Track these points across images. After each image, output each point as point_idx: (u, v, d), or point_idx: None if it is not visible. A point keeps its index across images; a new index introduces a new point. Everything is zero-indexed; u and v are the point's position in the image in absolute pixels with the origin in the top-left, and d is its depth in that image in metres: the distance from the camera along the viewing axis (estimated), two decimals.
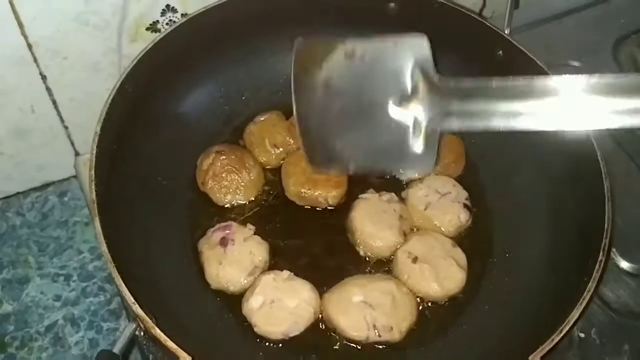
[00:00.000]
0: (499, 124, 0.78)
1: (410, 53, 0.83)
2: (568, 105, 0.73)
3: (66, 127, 1.34)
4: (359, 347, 1.00)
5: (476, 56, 1.17)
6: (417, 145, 0.81)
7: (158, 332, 0.81)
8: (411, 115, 0.81)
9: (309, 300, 1.01)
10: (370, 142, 0.85)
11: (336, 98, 0.87)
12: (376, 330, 0.99)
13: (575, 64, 1.41)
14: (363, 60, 0.86)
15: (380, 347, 1.00)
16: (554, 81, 0.75)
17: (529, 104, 0.75)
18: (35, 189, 1.48)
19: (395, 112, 0.82)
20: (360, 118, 0.85)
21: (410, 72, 0.82)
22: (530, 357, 0.83)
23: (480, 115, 0.78)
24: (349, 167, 0.90)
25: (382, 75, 0.84)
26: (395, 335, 1.00)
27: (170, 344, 0.81)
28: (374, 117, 0.83)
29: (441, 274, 1.04)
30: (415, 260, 1.05)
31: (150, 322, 0.81)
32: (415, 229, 1.12)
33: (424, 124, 0.80)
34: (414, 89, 0.81)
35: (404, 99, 0.81)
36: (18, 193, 1.47)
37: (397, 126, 0.82)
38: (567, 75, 0.74)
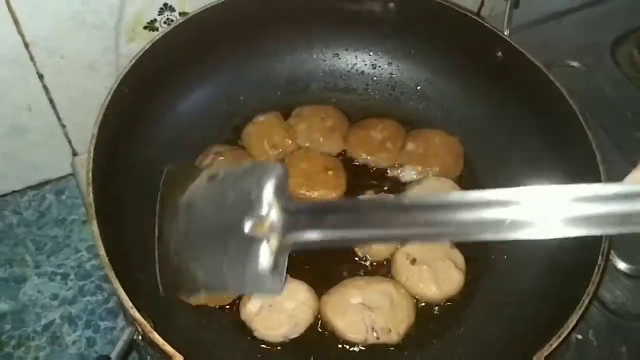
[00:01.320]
0: (344, 237, 0.80)
1: (265, 177, 0.85)
2: (464, 218, 0.71)
3: (63, 126, 1.34)
4: (357, 349, 1.00)
5: (475, 57, 1.18)
6: (267, 266, 0.83)
7: (156, 337, 0.81)
8: (265, 235, 0.83)
9: (307, 301, 1.01)
10: (224, 264, 0.86)
11: (195, 219, 0.89)
12: (374, 333, 0.99)
13: (574, 63, 1.41)
14: (222, 182, 0.90)
15: (379, 349, 1.00)
16: (440, 197, 0.75)
17: (375, 217, 0.77)
18: (32, 187, 1.47)
19: (249, 232, 0.83)
20: (216, 238, 0.87)
21: (265, 195, 0.84)
22: None
23: (330, 229, 0.79)
24: (202, 290, 0.90)
25: (239, 197, 0.86)
26: (394, 337, 0.99)
27: (168, 348, 0.80)
28: (229, 237, 0.85)
29: (439, 275, 1.04)
30: (413, 262, 1.05)
31: (147, 327, 0.81)
32: None
33: (275, 243, 0.82)
34: (268, 211, 0.83)
35: (258, 221, 0.83)
36: (15, 191, 1.46)
37: (250, 247, 0.84)
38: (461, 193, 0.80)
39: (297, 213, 0.83)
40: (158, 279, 0.90)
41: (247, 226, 0.84)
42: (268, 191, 0.84)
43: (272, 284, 0.84)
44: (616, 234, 0.73)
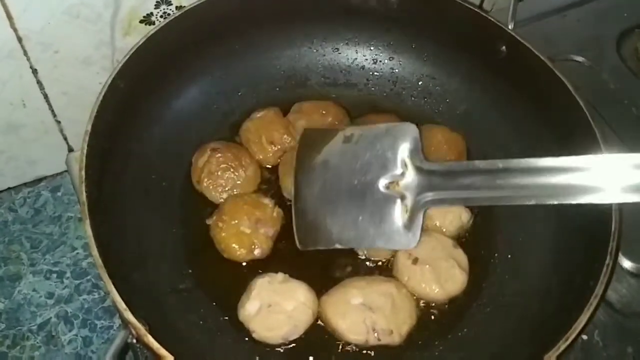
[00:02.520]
0: (480, 199, 0.88)
1: (400, 138, 0.93)
2: (545, 182, 0.83)
3: (58, 122, 1.32)
4: (359, 350, 0.98)
5: (479, 51, 1.16)
6: (403, 222, 0.92)
7: (151, 340, 0.79)
8: (399, 193, 0.91)
9: (307, 301, 0.99)
10: (359, 220, 0.94)
11: (332, 177, 0.97)
12: (376, 334, 0.97)
13: (579, 58, 1.39)
14: (358, 143, 0.97)
15: (381, 350, 0.98)
16: (529, 162, 0.84)
17: (508, 181, 0.84)
18: (27, 184, 1.46)
19: (385, 190, 0.92)
20: (351, 196, 0.95)
21: (400, 155, 0.93)
22: None
23: (462, 191, 0.87)
24: (337, 244, 0.97)
25: (375, 157, 0.94)
26: (396, 339, 0.98)
27: (163, 352, 0.78)
28: (365, 194, 0.94)
29: (442, 275, 1.02)
30: (415, 261, 1.03)
31: (142, 330, 0.79)
32: None
33: (410, 201, 0.91)
34: (403, 170, 0.92)
35: (393, 179, 0.92)
36: (9, 188, 1.45)
37: (385, 204, 0.92)
38: (543, 159, 0.84)
39: (430, 174, 0.90)
40: (295, 234, 0.98)
41: (383, 184, 0.93)
42: (403, 151, 0.93)
43: (407, 239, 0.93)
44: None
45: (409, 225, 0.91)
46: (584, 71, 1.37)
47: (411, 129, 0.94)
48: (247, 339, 0.98)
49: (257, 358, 0.97)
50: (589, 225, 0.97)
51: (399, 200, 0.91)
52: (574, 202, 0.83)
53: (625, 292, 1.14)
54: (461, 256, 1.05)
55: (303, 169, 1.00)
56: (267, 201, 1.08)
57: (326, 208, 0.96)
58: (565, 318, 0.86)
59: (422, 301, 1.03)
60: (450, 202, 0.91)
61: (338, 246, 0.97)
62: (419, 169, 0.90)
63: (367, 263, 1.07)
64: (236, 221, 1.04)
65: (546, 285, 1.00)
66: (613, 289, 1.13)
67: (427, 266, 1.02)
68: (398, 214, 0.91)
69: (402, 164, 0.91)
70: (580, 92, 1.04)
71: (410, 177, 0.90)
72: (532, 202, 0.84)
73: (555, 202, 0.84)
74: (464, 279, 1.03)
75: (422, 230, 0.93)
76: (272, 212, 1.07)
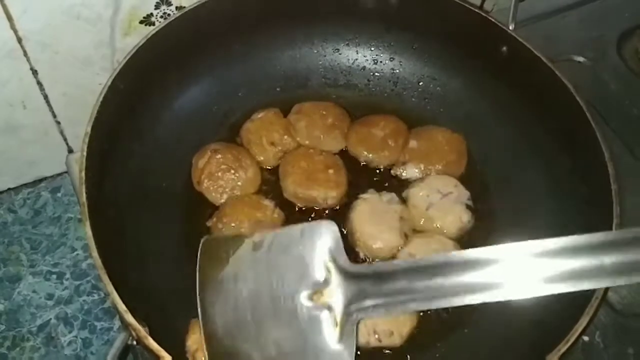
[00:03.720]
0: (419, 304, 0.77)
1: (318, 239, 0.82)
2: (495, 277, 0.72)
3: (58, 123, 1.32)
4: (359, 352, 0.97)
5: (479, 52, 1.15)
6: (333, 338, 0.79)
7: (151, 342, 0.79)
8: (325, 304, 0.79)
9: None
10: (282, 340, 0.81)
11: (244, 293, 0.84)
12: (376, 335, 0.96)
13: (579, 59, 1.38)
14: (270, 250, 0.84)
15: (381, 352, 0.98)
16: (470, 254, 0.73)
17: (449, 279, 0.73)
18: (27, 185, 1.45)
19: (307, 303, 0.80)
20: (271, 313, 0.82)
21: (320, 260, 0.80)
22: None
23: (399, 296, 0.76)
24: None
25: (291, 265, 0.82)
26: (396, 340, 0.97)
27: (164, 353, 0.78)
28: (285, 311, 0.80)
29: None
30: None
31: (142, 331, 0.79)
32: (416, 231, 1.09)
33: (339, 312, 0.78)
34: (326, 277, 0.80)
35: (316, 289, 0.80)
36: (9, 189, 1.45)
37: (310, 319, 0.79)
38: (486, 248, 0.73)
39: (358, 277, 0.79)
40: None
41: (304, 296, 0.81)
42: (323, 254, 0.81)
43: (341, 357, 0.79)
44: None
45: (340, 340, 0.78)
46: (585, 71, 1.37)
47: (329, 227, 0.83)
48: None
49: None
50: (590, 226, 0.96)
51: (326, 313, 0.79)
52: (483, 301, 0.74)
53: (626, 293, 1.14)
54: None
55: (209, 285, 0.87)
56: (268, 202, 1.07)
57: (242, 331, 0.83)
58: (566, 319, 0.86)
59: None
60: (386, 310, 0.78)
61: None
62: (344, 273, 0.79)
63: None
64: (236, 223, 1.04)
65: None
66: (614, 290, 1.13)
67: None
68: (327, 330, 0.78)
69: (324, 269, 0.80)
70: (580, 92, 1.04)
71: (336, 283, 0.78)
72: (479, 301, 0.74)
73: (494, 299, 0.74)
74: None
75: (357, 346, 0.81)
76: (273, 214, 1.06)
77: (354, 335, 0.79)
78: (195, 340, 0.92)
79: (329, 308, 0.79)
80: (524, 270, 0.71)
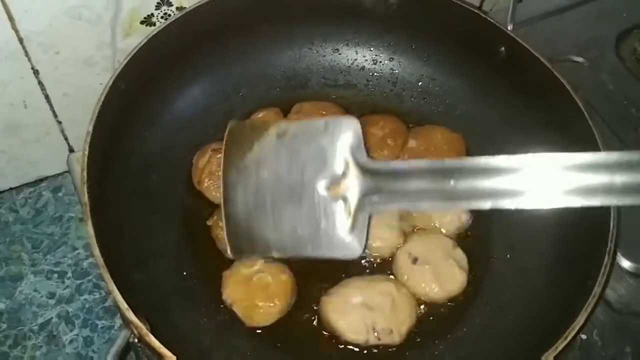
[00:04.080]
0: (430, 204, 0.78)
1: (341, 135, 0.83)
2: (516, 182, 0.72)
3: (59, 122, 1.33)
4: (358, 350, 0.98)
5: (478, 52, 1.16)
6: (346, 227, 0.81)
7: (152, 340, 0.79)
8: (341, 195, 0.81)
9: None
10: (297, 226, 0.84)
11: (266, 178, 0.87)
12: (376, 333, 0.97)
13: (577, 59, 1.39)
14: (294, 139, 0.86)
15: (380, 350, 0.98)
16: (488, 160, 0.74)
17: (463, 182, 0.74)
18: (28, 185, 1.46)
19: (324, 193, 0.82)
20: (288, 200, 0.85)
21: (341, 153, 0.82)
22: None
23: (411, 195, 0.77)
24: (274, 253, 0.88)
25: (313, 155, 0.84)
26: (395, 338, 0.98)
27: (165, 351, 0.79)
28: (303, 197, 0.83)
29: (442, 275, 1.03)
30: (415, 261, 1.03)
31: (144, 329, 0.79)
32: (415, 229, 1.10)
33: (353, 204, 0.81)
34: (344, 170, 0.81)
35: (334, 180, 0.82)
36: (11, 189, 1.45)
37: (325, 208, 0.82)
38: (506, 156, 0.73)
39: (375, 174, 0.81)
40: (226, 241, 0.88)
41: (322, 186, 0.83)
42: (343, 148, 0.82)
43: (350, 247, 0.82)
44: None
45: (352, 230, 0.81)
46: (583, 72, 1.37)
47: (352, 123, 0.84)
48: (249, 338, 0.98)
49: (258, 356, 0.97)
50: (587, 226, 0.97)
51: (340, 203, 0.81)
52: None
53: (624, 292, 1.14)
54: (460, 256, 1.05)
55: (233, 168, 0.89)
56: None
57: (260, 213, 0.87)
58: (563, 318, 0.87)
59: (422, 301, 1.03)
60: (398, 205, 0.82)
61: (275, 255, 0.89)
62: (362, 168, 0.81)
63: (369, 261, 1.07)
64: None
65: (545, 285, 1.00)
66: (612, 288, 1.13)
67: (427, 266, 1.03)
68: (340, 219, 0.81)
69: (343, 163, 0.82)
70: (579, 92, 1.05)
71: (353, 176, 0.80)
72: (489, 206, 0.74)
73: (512, 207, 0.73)
74: (463, 279, 1.03)
75: (367, 236, 0.84)
76: None
77: (365, 227, 0.81)
78: (229, 294, 0.99)
79: (344, 199, 0.81)
80: (543, 181, 0.71)
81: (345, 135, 0.83)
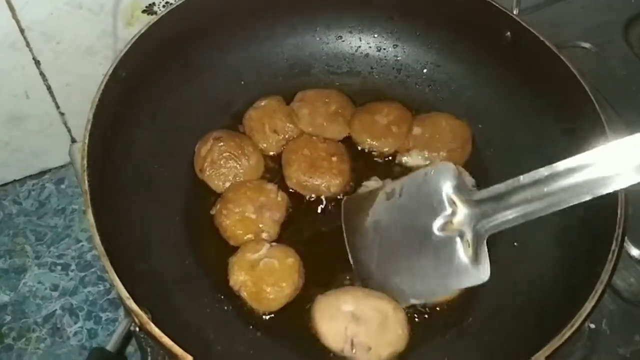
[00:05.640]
0: (535, 212, 0.85)
1: (441, 179, 0.92)
2: (587, 179, 0.80)
3: (62, 114, 1.33)
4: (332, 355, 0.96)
5: (483, 38, 1.14)
6: (469, 257, 0.90)
7: (153, 328, 0.78)
8: (456, 230, 0.90)
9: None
10: (424, 269, 0.94)
11: (386, 236, 0.98)
12: (353, 347, 0.94)
13: (585, 45, 1.37)
14: (402, 196, 0.97)
15: None
16: (570, 161, 0.82)
17: (554, 185, 0.82)
18: (31, 177, 1.46)
19: (441, 233, 0.91)
20: (411, 248, 0.95)
21: (445, 195, 0.91)
22: (539, 353, 0.80)
23: (516, 208, 0.85)
24: (411, 301, 0.97)
25: (421, 204, 0.94)
26: (372, 358, 0.94)
27: (166, 340, 0.78)
28: (423, 243, 0.93)
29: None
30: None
31: (145, 318, 0.78)
32: None
33: (469, 234, 0.89)
34: (453, 209, 0.90)
35: (446, 219, 0.91)
36: (14, 181, 1.46)
37: (446, 245, 0.91)
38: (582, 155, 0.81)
39: (480, 203, 0.89)
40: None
41: (437, 227, 0.92)
42: (447, 190, 0.92)
43: (478, 273, 0.90)
44: None
45: (475, 258, 0.89)
46: (591, 58, 1.36)
47: (449, 167, 0.93)
48: (252, 327, 0.97)
49: (260, 347, 0.96)
50: (595, 212, 0.95)
51: (458, 239, 0.89)
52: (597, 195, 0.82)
53: (633, 280, 1.13)
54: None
55: (355, 235, 1.01)
56: (271, 186, 1.07)
57: (390, 268, 0.97)
58: (571, 305, 0.85)
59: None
60: (510, 223, 0.88)
61: (413, 302, 0.98)
62: (468, 202, 0.89)
63: None
64: (240, 208, 1.04)
65: (552, 272, 0.99)
66: (621, 277, 1.12)
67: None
68: (462, 252, 0.89)
69: (450, 203, 0.90)
70: (586, 78, 1.03)
71: (462, 212, 0.89)
72: (587, 198, 0.82)
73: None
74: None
75: (490, 261, 0.90)
76: (277, 197, 1.06)
77: (486, 252, 0.89)
78: (235, 281, 0.99)
79: (460, 234, 0.90)
80: (624, 162, 0.79)
81: (444, 177, 0.92)
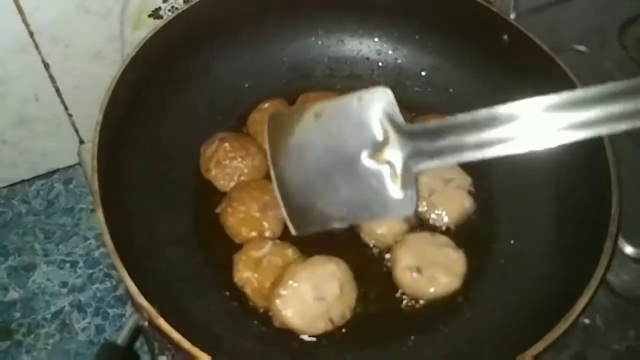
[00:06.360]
0: (469, 155, 0.79)
1: (375, 105, 0.86)
2: (528, 128, 0.75)
3: (70, 115, 1.35)
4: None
5: (481, 41, 1.16)
6: (396, 189, 0.85)
7: (162, 322, 0.81)
8: (385, 161, 0.84)
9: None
10: (350, 196, 0.88)
11: (311, 158, 0.90)
12: (331, 322, 0.99)
13: (581, 48, 1.39)
14: (331, 117, 0.90)
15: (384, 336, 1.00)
16: (515, 107, 0.76)
17: (494, 131, 0.76)
18: (40, 177, 1.48)
19: (369, 161, 0.86)
20: (337, 173, 0.89)
21: (378, 122, 0.85)
22: (534, 347, 0.82)
23: (450, 150, 0.80)
24: (334, 224, 0.91)
25: (352, 129, 0.87)
26: (347, 315, 1.00)
27: (176, 335, 0.80)
28: (350, 170, 0.87)
29: (442, 276, 1.03)
30: (414, 270, 1.04)
31: (154, 312, 0.81)
32: (418, 217, 1.11)
33: (399, 167, 0.84)
34: (385, 137, 0.85)
35: (376, 148, 0.85)
36: (23, 181, 1.48)
37: (373, 175, 0.85)
38: (525, 100, 0.76)
39: (414, 136, 0.84)
40: (287, 221, 0.91)
41: (366, 155, 0.86)
42: (380, 116, 0.85)
43: (404, 206, 0.86)
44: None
45: (402, 190, 0.85)
46: (586, 61, 1.37)
47: (384, 93, 0.86)
48: (256, 322, 1.00)
49: (269, 343, 0.98)
50: (590, 210, 0.98)
51: (387, 168, 0.85)
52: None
53: (627, 277, 1.14)
54: (454, 256, 1.06)
55: (279, 153, 0.94)
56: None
57: (314, 190, 0.91)
58: (565, 300, 0.88)
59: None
60: (439, 162, 0.83)
61: (336, 226, 0.92)
62: (401, 132, 0.84)
63: (372, 249, 1.09)
64: (245, 206, 1.06)
65: (548, 269, 1.01)
66: (615, 274, 1.14)
67: (427, 272, 1.03)
68: (389, 183, 0.85)
69: (382, 130, 0.85)
70: (582, 81, 1.05)
71: (394, 141, 0.84)
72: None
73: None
74: (457, 281, 1.04)
75: (418, 194, 0.88)
76: None
77: (414, 187, 0.84)
78: (240, 278, 1.01)
79: (390, 164, 0.84)
80: (539, 124, 0.75)
81: (379, 104, 0.85)
